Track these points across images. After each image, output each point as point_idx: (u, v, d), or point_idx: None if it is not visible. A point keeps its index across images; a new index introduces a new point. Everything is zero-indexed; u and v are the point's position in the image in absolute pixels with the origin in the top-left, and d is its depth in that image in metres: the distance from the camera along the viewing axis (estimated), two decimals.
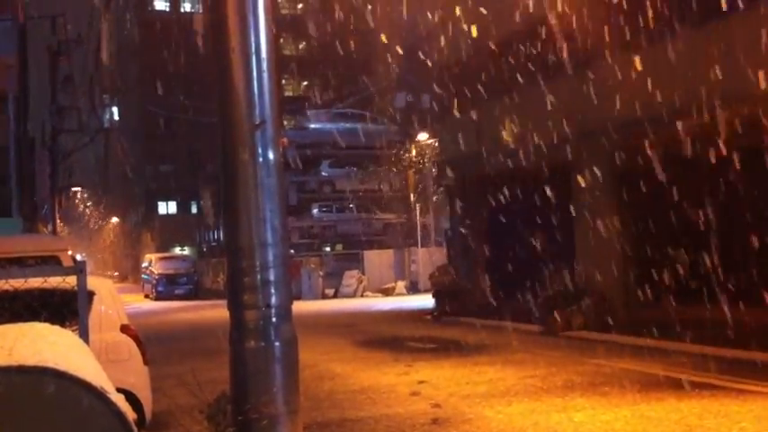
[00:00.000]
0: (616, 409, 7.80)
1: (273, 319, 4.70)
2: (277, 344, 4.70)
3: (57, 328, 3.91)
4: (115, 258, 69.02)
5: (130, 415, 3.04)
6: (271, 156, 4.83)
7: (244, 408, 4.61)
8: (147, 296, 38.35)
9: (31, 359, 2.51)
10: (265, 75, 4.83)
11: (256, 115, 4.77)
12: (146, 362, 7.41)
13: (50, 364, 2.47)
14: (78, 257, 56.92)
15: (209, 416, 5.08)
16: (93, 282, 7.79)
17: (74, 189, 51.73)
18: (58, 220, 40.21)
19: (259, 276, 4.70)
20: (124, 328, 7.43)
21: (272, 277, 4.72)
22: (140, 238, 59.99)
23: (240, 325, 4.72)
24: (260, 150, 4.79)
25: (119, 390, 6.56)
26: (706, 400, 7.97)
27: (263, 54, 4.82)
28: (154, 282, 37.59)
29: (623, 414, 7.54)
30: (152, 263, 39.09)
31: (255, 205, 4.74)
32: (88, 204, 66.85)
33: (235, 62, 4.75)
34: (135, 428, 2.55)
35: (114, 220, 67.42)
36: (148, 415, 7.27)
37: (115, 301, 7.70)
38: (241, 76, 4.76)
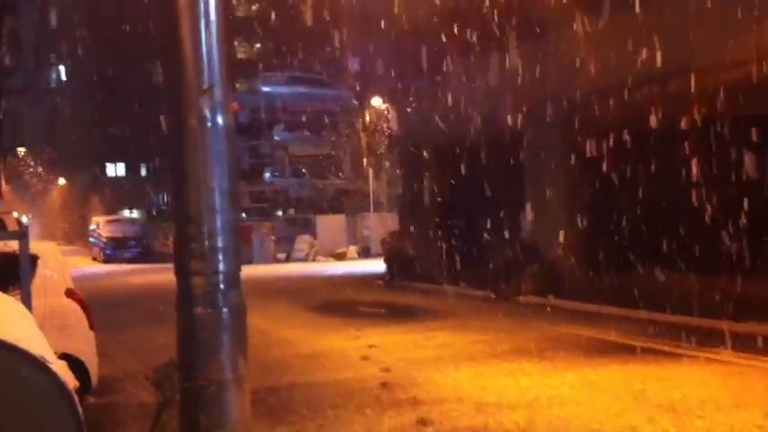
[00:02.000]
0: (562, 373, 7.95)
1: (221, 286, 4.65)
2: (225, 310, 4.65)
3: None
4: (63, 221, 67.87)
5: (72, 383, 2.99)
6: (220, 120, 4.73)
7: (191, 374, 4.58)
8: (94, 259, 37.79)
9: None
10: (214, 37, 4.72)
11: (205, 79, 4.67)
12: (91, 327, 7.32)
13: None
14: (24, 219, 55.86)
15: (156, 382, 5.04)
16: (37, 245, 7.64)
17: (18, 149, 50.60)
18: (3, 182, 39.33)
19: (207, 243, 4.63)
20: (69, 293, 7.32)
21: (220, 244, 4.66)
22: (88, 201, 59.01)
23: (187, 291, 4.66)
24: (208, 115, 4.69)
25: (63, 355, 6.49)
26: (650, 365, 8.15)
27: (212, 16, 4.70)
28: (102, 245, 37.03)
29: (569, 378, 7.68)
30: (100, 226, 38.46)
31: (204, 171, 4.65)
32: (33, 166, 65.50)
33: (182, 24, 4.63)
34: (76, 398, 2.51)
35: (62, 181, 66.16)
36: (94, 380, 7.20)
37: (60, 265, 7.57)
38: (188, 39, 4.64)
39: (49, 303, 6.85)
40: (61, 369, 2.80)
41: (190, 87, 4.69)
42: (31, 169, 64.97)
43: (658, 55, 11.52)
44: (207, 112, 4.72)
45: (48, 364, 2.41)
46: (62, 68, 62.31)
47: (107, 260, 35.82)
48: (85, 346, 7.18)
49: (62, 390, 2.42)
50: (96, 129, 54.17)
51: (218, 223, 4.68)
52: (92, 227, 40.44)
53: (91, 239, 40.18)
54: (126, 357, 9.64)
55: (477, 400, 6.97)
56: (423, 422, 6.36)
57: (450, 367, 8.52)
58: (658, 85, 11.78)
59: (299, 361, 9.46)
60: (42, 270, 7.13)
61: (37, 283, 6.90)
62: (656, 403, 6.56)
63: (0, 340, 2.37)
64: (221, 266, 4.68)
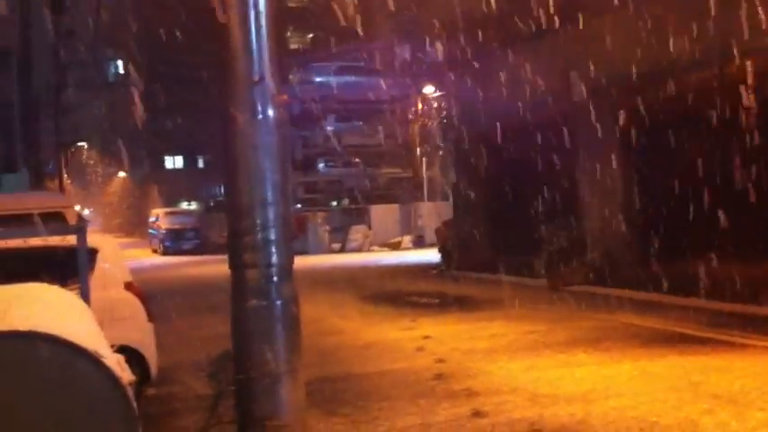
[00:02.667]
0: (618, 364, 7.83)
1: (274, 278, 4.69)
2: (278, 302, 4.69)
3: (55, 288, 3.91)
4: (122, 214, 69.23)
5: (127, 378, 3.05)
6: (270, 113, 4.76)
7: (245, 366, 4.63)
8: (154, 251, 38.48)
9: (24, 323, 2.50)
10: (264, 29, 4.74)
11: (255, 71, 4.70)
12: (150, 319, 7.44)
13: (43, 329, 2.45)
14: (86, 213, 56.98)
15: (211, 374, 5.11)
16: (96, 239, 7.80)
17: (79, 144, 51.72)
18: (65, 176, 40.27)
19: (259, 236, 4.67)
20: (128, 286, 7.45)
21: (272, 236, 4.70)
22: (147, 193, 60.09)
23: (241, 284, 4.72)
24: (259, 108, 4.72)
25: (123, 347, 6.62)
26: (709, 356, 7.98)
27: (261, 7, 4.73)
28: (161, 237, 37.67)
29: (625, 369, 7.57)
30: (159, 218, 39.15)
31: (255, 164, 4.69)
32: (95, 160, 66.89)
33: (232, 16, 4.66)
34: (130, 391, 2.55)
35: (121, 174, 67.46)
36: (154, 371, 7.32)
37: (119, 259, 7.71)
38: (238, 31, 4.67)
39: (108, 296, 6.97)
40: (116, 363, 2.85)
41: (240, 80, 4.72)
42: (92, 163, 66.38)
43: (713, 38, 11.24)
44: (258, 105, 4.75)
45: (101, 359, 2.45)
46: (120, 62, 63.42)
47: (166, 252, 36.44)
48: (144, 338, 7.30)
49: (116, 384, 2.46)
50: (154, 121, 55.03)
51: (271, 216, 4.72)
52: (151, 219, 41.14)
53: (150, 231, 40.88)
54: (183, 348, 9.79)
55: (531, 392, 6.91)
56: (477, 414, 6.33)
57: (504, 358, 8.47)
58: (714, 69, 11.47)
59: (353, 351, 9.50)
60: (101, 263, 7.26)
61: (96, 276, 7.04)
62: (715, 394, 6.42)
63: (55, 336, 2.42)
64: (274, 259, 4.71)
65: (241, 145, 4.74)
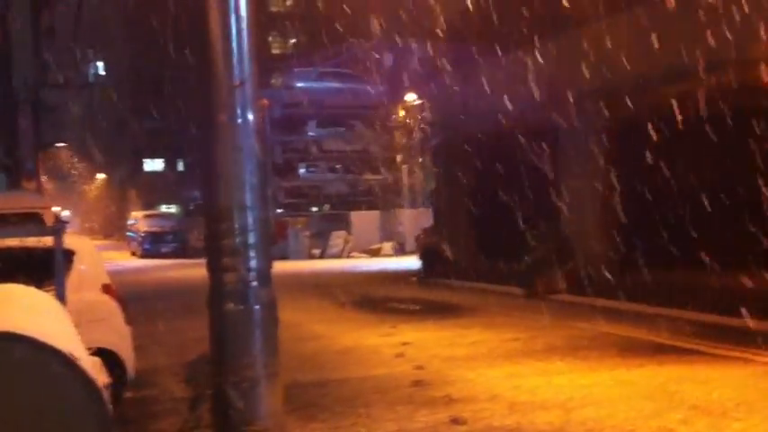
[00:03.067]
0: (596, 373, 7.85)
1: (253, 283, 4.68)
2: (256, 307, 4.68)
3: (31, 289, 3.86)
4: (101, 215, 68.77)
5: (102, 380, 3.01)
6: (250, 117, 4.76)
7: (223, 370, 4.60)
8: (133, 254, 38.23)
9: (0, 324, 2.46)
10: (244, 33, 4.73)
11: (235, 76, 4.69)
12: (128, 321, 7.37)
13: (18, 330, 2.42)
14: (65, 214, 56.45)
15: (189, 377, 5.07)
16: (73, 240, 7.72)
17: (58, 145, 51.33)
18: (43, 177, 39.92)
19: (238, 239, 4.66)
20: (105, 288, 7.37)
21: (251, 240, 4.68)
22: (126, 196, 59.74)
23: (219, 288, 4.69)
24: (239, 111, 4.72)
25: (99, 350, 6.55)
26: (686, 366, 8.03)
27: (242, 12, 4.72)
28: (140, 239, 37.44)
29: (602, 378, 7.59)
30: (138, 220, 38.92)
31: (234, 168, 4.68)
32: (73, 161, 66.41)
33: (212, 20, 4.65)
34: (105, 394, 2.52)
35: (100, 176, 67.02)
36: (131, 374, 7.24)
37: (96, 260, 7.63)
38: (219, 35, 4.66)
39: (84, 298, 6.90)
40: (91, 366, 2.82)
41: (220, 84, 4.71)
42: (71, 164, 65.90)
43: (696, 47, 11.34)
44: (237, 109, 4.74)
45: (76, 361, 2.42)
46: (100, 64, 63.06)
47: (145, 255, 36.21)
48: (121, 340, 7.22)
49: (90, 386, 2.43)
50: (134, 124, 54.73)
51: (250, 220, 4.70)
52: (130, 221, 40.92)
53: (129, 234, 40.64)
54: (161, 351, 9.71)
55: (510, 400, 6.91)
56: (456, 421, 6.32)
57: (484, 365, 8.47)
58: (697, 79, 11.56)
59: (332, 357, 9.47)
60: (78, 265, 7.19)
61: (73, 277, 6.97)
62: (692, 405, 6.45)
63: (30, 337, 2.38)
64: (252, 263, 4.70)
65: (221, 148, 4.72)
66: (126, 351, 7.19)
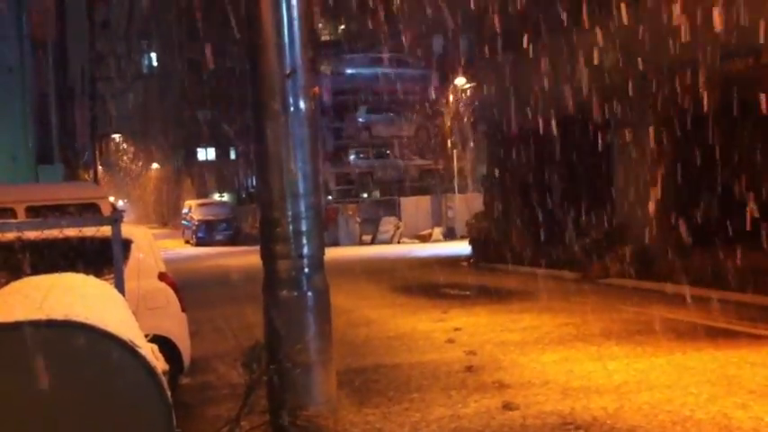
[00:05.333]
0: (652, 357, 7.76)
1: (305, 269, 4.73)
2: (309, 293, 4.74)
3: (90, 278, 3.96)
4: (156, 205, 69.92)
5: (161, 366, 3.08)
6: (302, 105, 4.80)
7: (277, 356, 4.67)
8: (187, 242, 38.79)
9: (60, 312, 2.53)
10: (296, 22, 4.77)
11: (287, 64, 4.73)
12: (183, 309, 7.48)
13: (79, 318, 2.49)
14: (120, 204, 57.49)
15: (244, 363, 5.14)
16: (130, 230, 7.87)
17: (114, 135, 52.28)
18: (99, 167, 40.74)
19: (291, 227, 4.71)
20: (162, 276, 7.50)
21: (303, 227, 4.73)
22: (181, 185, 60.60)
23: (273, 274, 4.76)
24: (291, 100, 4.76)
25: (156, 337, 6.68)
26: (744, 350, 7.88)
27: (294, 1, 4.75)
28: (194, 228, 37.97)
29: (659, 363, 7.50)
30: (192, 209, 39.45)
31: (287, 156, 4.73)
32: (128, 150, 67.56)
33: (264, 9, 4.69)
34: (164, 380, 2.58)
35: (155, 166, 68.09)
36: (187, 361, 7.36)
37: (153, 249, 7.76)
38: (270, 24, 4.71)
39: (142, 286, 7.04)
40: (150, 352, 2.88)
41: (272, 73, 4.76)
42: (126, 154, 67.06)
43: (752, 28, 11.07)
44: (289, 98, 4.78)
45: (137, 348, 2.48)
46: (154, 54, 63.91)
47: (199, 243, 36.73)
48: (178, 327, 7.34)
49: (150, 373, 2.48)
50: (188, 114, 55.42)
51: (302, 207, 4.75)
52: (184, 210, 41.47)
53: (183, 222, 41.21)
54: (217, 338, 9.87)
55: (563, 385, 6.87)
56: (508, 406, 6.31)
57: (536, 350, 8.43)
58: (752, 58, 11.29)
59: (384, 342, 9.51)
60: (135, 254, 7.32)
61: (130, 266, 7.11)
62: (750, 389, 6.34)
63: (90, 325, 2.45)
64: (305, 250, 4.75)
65: (273, 137, 4.77)
66: (182, 338, 7.32)
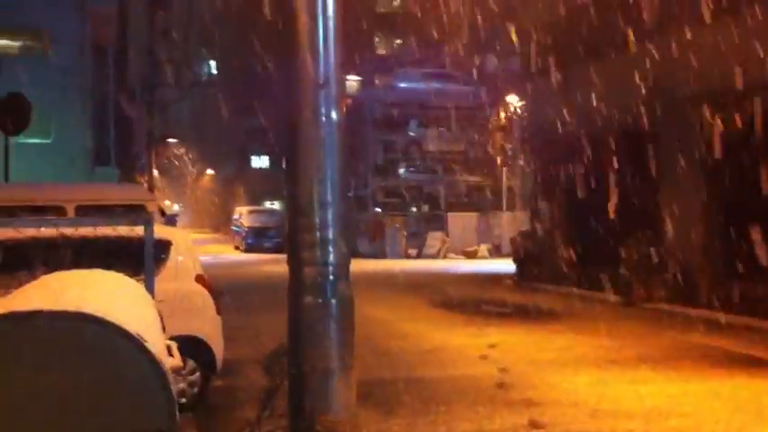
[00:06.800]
0: (686, 384, 7.65)
1: (330, 277, 4.76)
2: (333, 301, 4.77)
3: (119, 276, 4.07)
4: (209, 210, 70.89)
5: (173, 363, 3.16)
6: (333, 115, 4.85)
7: (298, 361, 4.72)
8: (237, 248, 39.23)
9: (73, 305, 2.63)
10: (331, 32, 4.83)
11: (321, 74, 4.80)
12: (219, 311, 7.60)
13: (91, 311, 2.57)
14: (176, 208, 58.28)
15: (266, 366, 5.21)
16: (170, 232, 8.05)
17: (170, 141, 53.20)
18: (155, 171, 41.50)
19: (318, 234, 4.76)
20: (199, 278, 7.64)
21: (330, 235, 4.77)
22: (233, 191, 61.32)
23: (298, 281, 4.81)
24: (323, 110, 4.82)
25: (190, 338, 6.79)
26: None
27: (330, 12, 4.82)
28: (243, 234, 38.39)
29: (692, 389, 7.39)
30: (242, 215, 39.92)
31: (316, 164, 4.78)
32: (183, 156, 68.69)
33: (300, 19, 4.77)
34: (169, 375, 2.65)
35: (209, 172, 69.08)
36: (219, 362, 7.48)
37: (191, 252, 7.91)
38: (305, 34, 4.78)
39: (179, 287, 7.18)
40: (162, 348, 2.96)
41: (305, 82, 4.82)
42: (181, 160, 68.16)
43: None
44: (321, 107, 4.85)
45: (143, 342, 2.55)
46: (212, 62, 64.93)
47: (248, 249, 37.12)
48: (212, 330, 7.45)
49: (156, 367, 2.56)
50: (243, 121, 56.09)
51: (329, 215, 4.80)
52: (235, 216, 41.98)
53: (233, 228, 41.71)
54: (252, 342, 9.98)
55: (592, 406, 6.81)
56: (534, 424, 6.28)
57: (570, 371, 8.36)
58: None
59: (417, 355, 9.52)
60: (175, 255, 7.46)
61: (169, 267, 7.26)
62: None
63: (100, 318, 2.54)
64: (331, 258, 4.79)
65: (303, 145, 4.84)
66: (216, 340, 7.43)
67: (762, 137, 11.84)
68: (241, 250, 37.93)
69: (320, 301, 4.76)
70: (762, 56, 11.67)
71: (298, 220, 4.83)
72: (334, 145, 4.82)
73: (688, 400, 6.96)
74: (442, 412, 6.73)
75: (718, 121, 13.12)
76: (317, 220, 4.76)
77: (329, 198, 4.78)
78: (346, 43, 5.10)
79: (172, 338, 3.85)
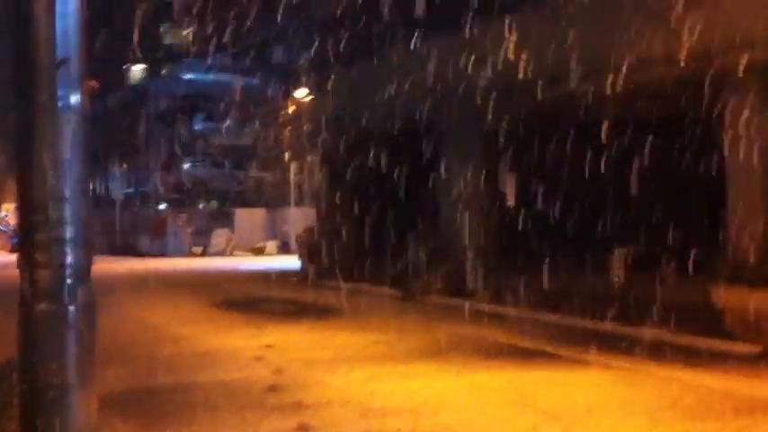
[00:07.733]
0: (456, 377, 7.75)
1: (68, 281, 4.25)
2: (71, 308, 4.26)
3: None
4: None
5: None
6: (73, 100, 4.33)
7: (30, 375, 4.19)
8: (2, 248, 36.50)
9: None
10: (72, 3, 4.33)
11: (58, 52, 4.28)
12: None
13: None
14: None
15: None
16: None
17: None
18: None
19: (53, 233, 4.25)
20: None
21: (67, 234, 4.26)
22: (3, 187, 56.94)
23: (31, 285, 4.26)
24: (61, 92, 4.30)
25: None
26: (546, 370, 8.02)
27: None
28: (10, 233, 35.80)
29: (461, 382, 7.48)
30: (8, 214, 37.19)
31: (52, 154, 4.25)
32: None
33: None
34: None
35: None
36: None
37: None
38: (40, 3, 4.24)
39: None
40: None
41: (40, 60, 4.28)
42: None
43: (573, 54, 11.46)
44: (59, 89, 4.32)
45: None
46: None
47: (13, 250, 34.57)
48: None
49: None
50: None
51: (67, 212, 4.28)
52: (1, 214, 39.05)
53: (0, 227, 38.78)
54: None
55: (363, 405, 6.70)
56: (303, 428, 6.06)
57: (344, 369, 8.23)
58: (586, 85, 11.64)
59: (188, 360, 9.05)
60: None
61: None
62: (544, 410, 6.39)
63: None
64: (69, 259, 4.27)
65: (38, 133, 4.29)
66: None
67: (539, 127, 12.36)
68: (7, 250, 35.28)
69: (56, 307, 4.25)
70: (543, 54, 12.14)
71: (30, 217, 4.28)
72: (75, 133, 4.30)
73: (457, 394, 7.03)
74: (207, 420, 6.36)
75: (498, 115, 13.44)
76: (53, 217, 4.25)
77: (67, 193, 4.27)
78: (97, 18, 4.61)
79: None
